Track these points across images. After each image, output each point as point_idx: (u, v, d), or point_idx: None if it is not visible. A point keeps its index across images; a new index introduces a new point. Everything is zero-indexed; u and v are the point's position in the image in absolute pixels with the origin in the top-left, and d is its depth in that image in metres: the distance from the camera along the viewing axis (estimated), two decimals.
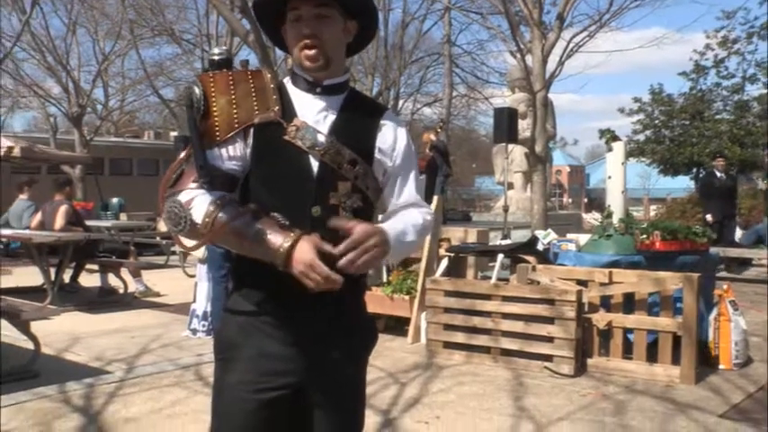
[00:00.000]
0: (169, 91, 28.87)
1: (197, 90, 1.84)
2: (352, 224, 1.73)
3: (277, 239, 1.72)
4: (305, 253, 1.69)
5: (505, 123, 10.46)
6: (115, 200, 16.45)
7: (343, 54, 1.97)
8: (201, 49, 22.75)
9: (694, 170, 26.12)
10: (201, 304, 6.68)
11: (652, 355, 5.34)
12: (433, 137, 14.03)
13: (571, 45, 13.62)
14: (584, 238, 6.53)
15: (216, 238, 1.76)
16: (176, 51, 25.31)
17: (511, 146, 12.31)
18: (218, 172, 1.82)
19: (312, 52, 1.88)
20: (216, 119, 1.84)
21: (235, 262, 1.94)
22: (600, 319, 5.47)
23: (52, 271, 8.39)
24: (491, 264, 6.85)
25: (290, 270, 1.71)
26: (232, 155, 1.86)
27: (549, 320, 5.43)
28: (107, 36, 23.92)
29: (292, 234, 1.72)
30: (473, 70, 29.27)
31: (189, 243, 1.83)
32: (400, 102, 28.77)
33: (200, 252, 6.52)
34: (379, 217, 2.07)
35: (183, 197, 1.77)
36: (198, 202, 1.76)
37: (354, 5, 1.93)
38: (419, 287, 6.61)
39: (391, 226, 1.86)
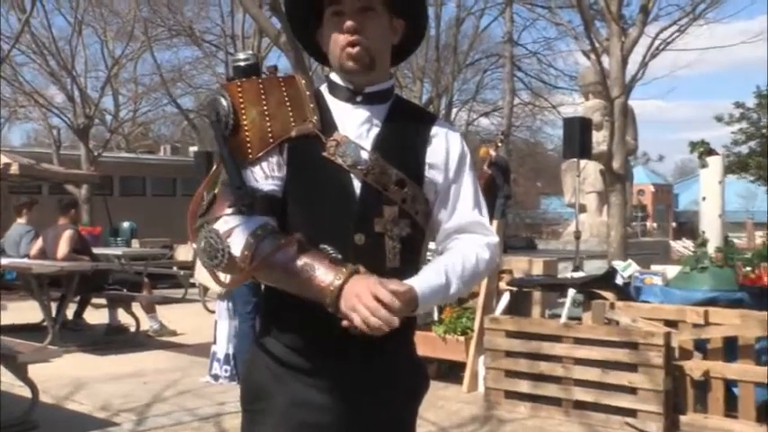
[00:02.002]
0: (188, 100, 29.49)
1: (224, 101, 1.86)
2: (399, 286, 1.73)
3: (327, 276, 1.73)
4: (358, 287, 1.69)
5: (577, 135, 10.40)
6: (126, 224, 16.71)
7: (388, 56, 1.99)
8: (225, 52, 23.18)
9: None
10: (223, 346, 6.74)
11: (764, 413, 5.21)
12: (492, 152, 14.00)
13: (657, 42, 13.55)
14: (672, 271, 6.43)
15: (257, 273, 1.79)
16: (196, 54, 25.92)
17: (583, 162, 12.23)
18: (257, 194, 1.84)
19: (355, 50, 1.89)
20: (247, 133, 1.86)
21: (264, 295, 1.96)
22: (694, 367, 5.37)
23: (53, 306, 8.54)
24: (560, 300, 6.77)
25: (340, 311, 1.71)
26: (269, 173, 1.88)
27: (631, 368, 5.36)
28: (117, 37, 24.52)
29: (345, 269, 1.74)
30: (539, 74, 29.35)
31: (226, 278, 1.87)
32: (453, 111, 28.97)
33: (214, 285, 6.58)
34: (431, 245, 2.07)
35: (220, 226, 1.80)
36: (237, 231, 1.79)
37: (402, 1, 1.95)
38: (476, 326, 6.60)
39: (424, 279, 1.82)
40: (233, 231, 1.79)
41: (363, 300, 1.67)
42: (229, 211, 1.82)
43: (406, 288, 1.73)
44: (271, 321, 1.95)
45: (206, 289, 11.39)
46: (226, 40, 23.50)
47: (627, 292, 6.22)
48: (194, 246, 1.83)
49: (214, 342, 6.84)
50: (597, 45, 13.16)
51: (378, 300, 1.67)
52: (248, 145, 1.86)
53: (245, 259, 1.76)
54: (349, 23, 1.88)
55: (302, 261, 1.75)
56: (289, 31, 11.44)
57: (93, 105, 22.03)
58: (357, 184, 1.88)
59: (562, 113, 25.63)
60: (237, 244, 1.77)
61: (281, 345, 1.90)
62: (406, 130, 1.97)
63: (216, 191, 1.87)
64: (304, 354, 1.88)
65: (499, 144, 15.08)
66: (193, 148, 25.33)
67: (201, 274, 6.91)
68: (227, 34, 23.24)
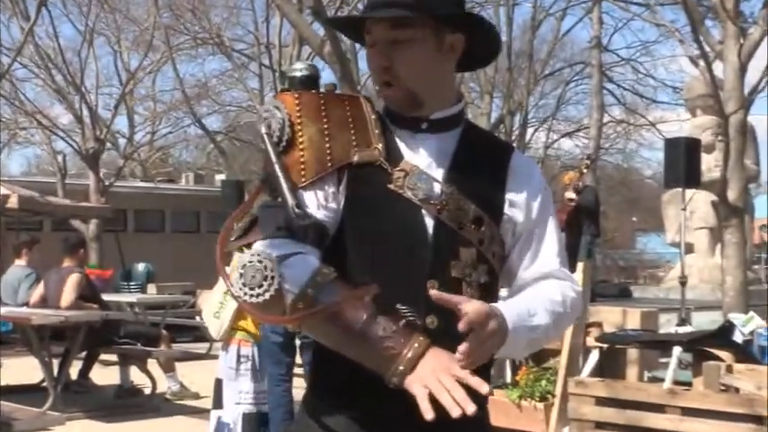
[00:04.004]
0: (215, 119, 29.95)
1: (278, 112, 1.90)
2: (459, 299, 1.74)
3: (402, 341, 1.73)
4: (435, 361, 1.71)
5: (682, 160, 10.27)
6: (141, 266, 16.95)
7: (443, 81, 2.02)
8: (259, 64, 23.47)
9: None
10: (231, 409, 6.61)
11: None
12: (576, 180, 13.90)
13: None
14: None
15: (306, 321, 1.78)
16: (225, 66, 26.31)
17: (690, 192, 12.05)
18: (310, 219, 1.83)
19: (390, 93, 1.95)
20: (302, 153, 1.90)
21: (317, 356, 1.97)
22: None
23: (55, 363, 8.62)
24: (663, 360, 6.75)
25: (405, 386, 1.73)
26: (323, 202, 1.90)
27: None
28: (133, 47, 25.02)
29: (422, 338, 1.74)
30: (634, 85, 29.18)
31: (259, 313, 1.81)
32: (529, 131, 28.87)
33: (214, 328, 6.44)
34: (503, 292, 2.08)
35: (271, 249, 1.79)
36: (297, 261, 1.78)
37: (451, 19, 1.96)
38: (558, 391, 6.55)
39: (511, 306, 1.86)
40: (291, 259, 1.78)
41: (438, 374, 1.69)
42: (279, 233, 1.81)
43: (493, 310, 1.75)
44: (326, 385, 1.96)
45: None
46: (259, 50, 23.79)
47: (748, 352, 6.12)
48: (225, 270, 1.80)
49: (217, 405, 6.71)
50: (708, 49, 13.03)
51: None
52: (302, 166, 1.89)
53: (304, 299, 1.74)
54: (376, 61, 1.94)
55: (375, 319, 1.75)
56: (334, 39, 11.59)
57: (105, 127, 22.38)
58: (429, 222, 1.91)
59: (663, 133, 25.39)
60: (297, 277, 1.75)
61: (336, 415, 1.91)
62: (481, 160, 2.00)
63: (254, 213, 1.89)
64: (368, 426, 1.90)
65: (585, 170, 14.91)
66: (220, 177, 25.66)
67: (207, 314, 6.66)
68: (261, 43, 23.54)
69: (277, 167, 1.84)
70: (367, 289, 1.77)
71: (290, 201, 1.80)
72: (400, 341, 1.74)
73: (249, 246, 1.83)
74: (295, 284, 1.75)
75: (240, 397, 6.41)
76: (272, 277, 1.73)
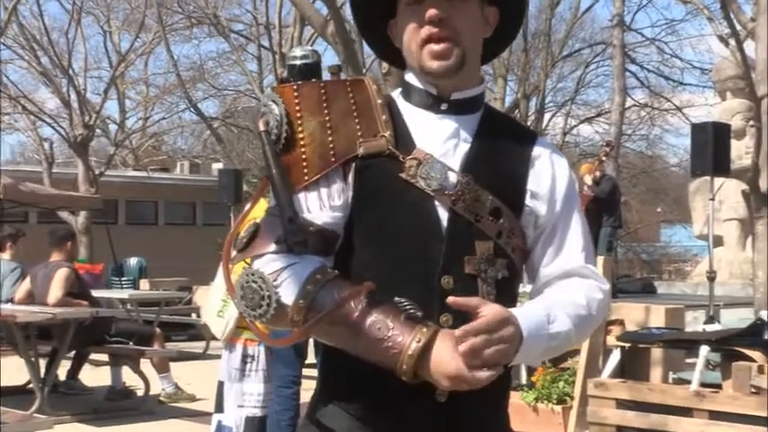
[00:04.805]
0: (211, 104, 29.94)
1: (275, 107, 1.90)
2: (478, 303, 1.76)
3: (403, 337, 1.75)
4: (448, 361, 1.73)
5: (710, 146, 10.23)
6: (134, 260, 16.97)
7: (479, 55, 2.03)
8: (258, 45, 23.49)
9: None
10: (232, 415, 6.62)
11: None
12: (595, 169, 13.90)
13: None
14: None
15: (314, 329, 1.81)
16: (222, 48, 26.30)
17: (719, 180, 12.02)
18: (310, 228, 1.86)
19: (441, 46, 1.92)
20: (304, 149, 1.90)
21: (327, 356, 1.98)
22: None
23: (43, 364, 8.64)
24: (689, 360, 6.74)
25: (419, 379, 1.75)
26: (328, 201, 1.91)
27: None
28: (124, 27, 25.04)
29: (425, 329, 1.76)
30: (658, 67, 29.09)
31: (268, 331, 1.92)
32: (546, 116, 28.84)
33: (218, 328, 6.45)
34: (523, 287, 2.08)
35: (265, 267, 1.83)
36: (289, 274, 1.82)
37: None
38: (577, 393, 6.57)
39: (529, 313, 1.85)
40: (282, 275, 1.81)
41: (464, 379, 1.71)
42: (275, 247, 1.84)
43: (510, 316, 1.76)
44: (336, 384, 1.97)
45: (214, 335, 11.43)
46: (258, 30, 23.85)
47: None
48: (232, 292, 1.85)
49: (218, 409, 6.73)
50: (739, 27, 13.00)
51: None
52: (304, 164, 1.89)
53: (299, 311, 1.78)
54: (432, 12, 1.90)
55: (372, 317, 1.77)
56: (338, 19, 11.58)
57: (94, 112, 22.43)
58: (444, 214, 1.91)
59: (690, 118, 25.35)
60: (290, 291, 1.80)
61: (349, 416, 1.92)
62: (501, 147, 2.00)
63: (258, 220, 1.89)
64: (379, 428, 1.90)
65: (604, 158, 14.93)
66: (218, 166, 25.69)
67: (205, 313, 6.67)
68: (260, 23, 23.54)
69: (274, 173, 1.84)
70: (363, 287, 1.79)
71: (286, 213, 1.80)
72: (398, 340, 1.74)
73: (260, 256, 1.85)
74: (289, 298, 1.79)
75: (244, 399, 6.38)
76: (269, 296, 1.78)
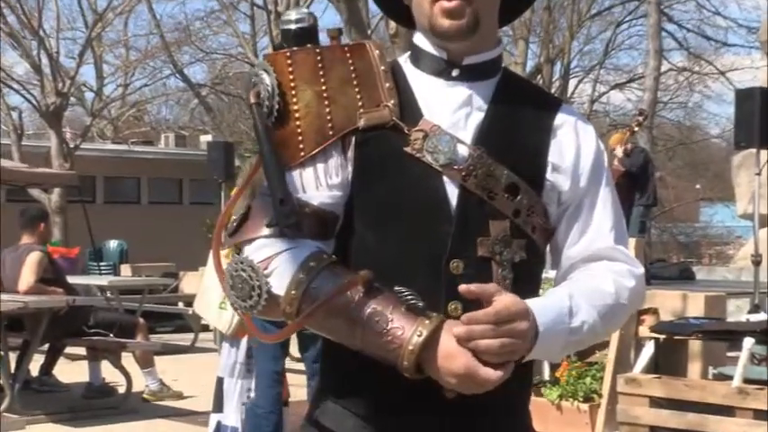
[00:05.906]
0: (199, 69, 30.03)
1: (267, 77, 1.91)
2: (494, 290, 1.79)
3: (403, 330, 1.76)
4: (455, 355, 1.74)
5: (757, 115, 10.22)
6: (114, 243, 17.09)
7: (496, 14, 2.03)
8: (251, 4, 23.52)
9: None
10: (232, 414, 6.65)
11: None
12: (626, 141, 13.89)
13: None
14: None
15: (308, 321, 1.83)
16: (210, 6, 26.36)
17: (766, 153, 11.99)
18: (306, 209, 1.88)
19: (454, 3, 1.92)
20: (299, 123, 1.92)
21: (328, 351, 2.00)
22: None
23: (13, 358, 8.68)
24: (731, 354, 6.80)
25: (422, 375, 1.79)
26: (326, 179, 1.92)
27: None
28: None
29: (427, 321, 1.77)
30: (699, 26, 29.05)
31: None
32: (572, 83, 28.91)
33: (223, 322, 6.46)
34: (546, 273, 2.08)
35: (254, 254, 1.85)
36: (280, 262, 1.84)
37: None
38: (605, 390, 6.60)
39: (547, 304, 1.87)
40: (273, 262, 1.84)
41: (473, 376, 1.74)
42: (267, 231, 1.86)
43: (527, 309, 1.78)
44: (337, 382, 1.99)
45: (203, 326, 11.47)
46: None
47: None
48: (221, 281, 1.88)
49: (217, 409, 6.76)
50: None
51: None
52: (299, 138, 1.91)
53: (291, 302, 1.80)
54: None
55: (370, 309, 1.78)
56: None
57: (68, 78, 22.52)
58: (453, 191, 1.92)
59: (734, 83, 25.32)
60: (281, 280, 1.82)
61: (352, 415, 1.94)
62: (520, 116, 2.01)
63: (249, 201, 1.91)
64: (383, 427, 1.92)
65: (636, 129, 14.93)
66: (206, 138, 25.73)
67: (202, 305, 6.70)
68: None
69: (265, 150, 1.85)
70: (360, 275, 1.80)
71: (277, 194, 1.80)
72: (398, 334, 1.76)
73: (250, 241, 1.88)
74: (281, 288, 1.82)
75: (249, 396, 6.45)
76: (259, 286, 1.83)
